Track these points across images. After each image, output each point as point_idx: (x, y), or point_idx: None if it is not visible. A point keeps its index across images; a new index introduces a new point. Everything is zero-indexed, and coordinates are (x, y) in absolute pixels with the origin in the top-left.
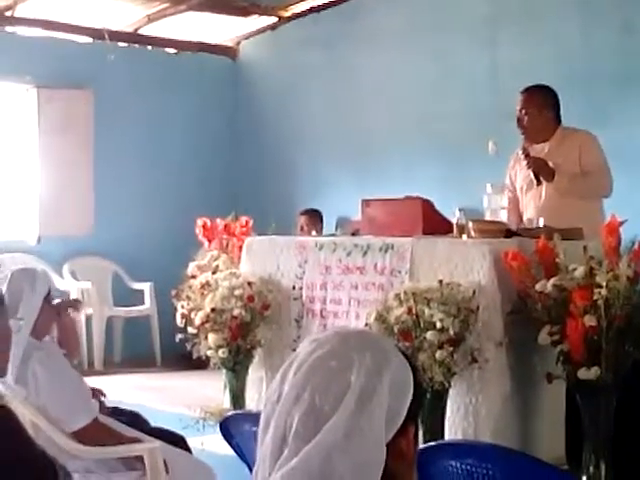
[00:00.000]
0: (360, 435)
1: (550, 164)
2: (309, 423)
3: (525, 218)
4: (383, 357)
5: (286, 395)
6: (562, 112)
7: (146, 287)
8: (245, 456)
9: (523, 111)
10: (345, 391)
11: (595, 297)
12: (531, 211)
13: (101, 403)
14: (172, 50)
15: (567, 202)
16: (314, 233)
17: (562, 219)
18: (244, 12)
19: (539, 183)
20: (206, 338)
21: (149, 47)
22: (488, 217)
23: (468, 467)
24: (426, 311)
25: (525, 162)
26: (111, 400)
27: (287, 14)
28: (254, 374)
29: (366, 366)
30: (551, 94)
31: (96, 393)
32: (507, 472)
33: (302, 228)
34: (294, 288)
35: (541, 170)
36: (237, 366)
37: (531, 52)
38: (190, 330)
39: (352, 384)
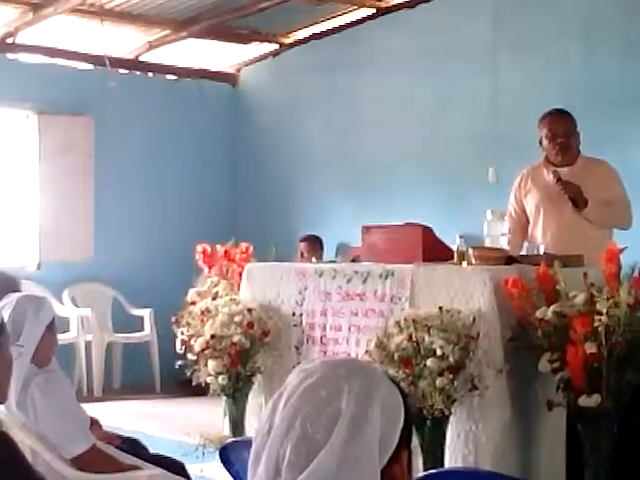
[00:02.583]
0: (353, 462)
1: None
2: (302, 452)
3: (539, 240)
4: (372, 384)
5: (277, 427)
6: None
7: (146, 313)
8: None
9: (566, 131)
10: (336, 419)
11: (595, 324)
12: (549, 234)
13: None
14: (173, 77)
15: (584, 228)
16: (314, 260)
17: (579, 245)
18: (245, 39)
19: (577, 208)
20: (206, 365)
21: (150, 74)
22: (488, 244)
23: None
24: (426, 338)
25: (561, 187)
26: (110, 427)
27: (288, 41)
28: (254, 401)
29: (355, 393)
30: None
31: (93, 426)
32: None
33: (302, 254)
34: (294, 315)
35: (577, 196)
36: (237, 393)
37: (532, 78)
38: (190, 356)
39: (342, 412)
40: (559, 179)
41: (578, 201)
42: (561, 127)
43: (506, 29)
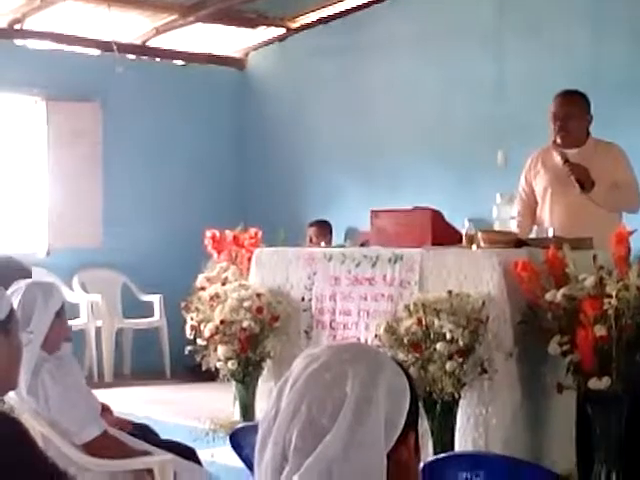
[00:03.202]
0: (359, 446)
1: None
2: (308, 437)
3: (546, 222)
4: (377, 367)
5: (283, 411)
6: None
7: (155, 299)
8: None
9: (567, 113)
10: (341, 403)
11: (605, 307)
12: (556, 216)
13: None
14: (180, 62)
15: (591, 210)
16: (323, 244)
17: (585, 227)
18: (252, 23)
19: (584, 190)
20: (215, 350)
21: (157, 59)
22: (497, 227)
23: (479, 478)
24: (436, 322)
25: (568, 168)
26: (120, 413)
27: (295, 25)
28: (264, 386)
29: (361, 377)
30: (588, 101)
31: (104, 412)
32: None
33: (311, 239)
34: (303, 299)
35: (584, 178)
36: (247, 378)
37: (539, 62)
38: (199, 342)
39: (348, 395)
40: (566, 160)
41: (585, 183)
42: (562, 109)
43: (512, 12)
